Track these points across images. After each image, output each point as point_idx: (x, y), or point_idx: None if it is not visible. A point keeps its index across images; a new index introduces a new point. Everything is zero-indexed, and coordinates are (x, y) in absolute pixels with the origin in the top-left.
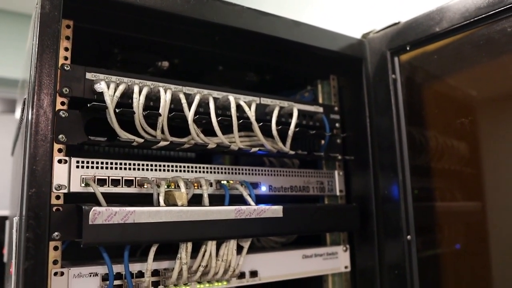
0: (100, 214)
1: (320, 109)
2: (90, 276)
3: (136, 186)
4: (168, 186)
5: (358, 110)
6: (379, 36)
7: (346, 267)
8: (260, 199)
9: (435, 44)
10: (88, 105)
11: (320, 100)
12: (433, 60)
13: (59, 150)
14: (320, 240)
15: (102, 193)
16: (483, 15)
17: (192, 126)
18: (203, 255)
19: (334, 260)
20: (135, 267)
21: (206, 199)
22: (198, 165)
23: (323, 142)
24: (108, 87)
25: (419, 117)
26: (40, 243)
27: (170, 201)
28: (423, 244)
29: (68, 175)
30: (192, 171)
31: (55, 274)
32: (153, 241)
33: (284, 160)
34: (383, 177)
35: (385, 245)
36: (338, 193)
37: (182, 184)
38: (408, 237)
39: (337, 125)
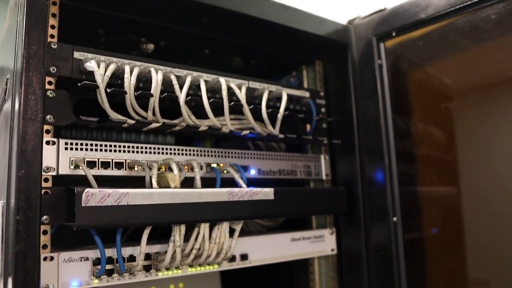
0: (93, 196)
1: (307, 94)
2: (81, 260)
3: (127, 168)
4: (159, 169)
5: (344, 95)
6: (365, 22)
7: (332, 250)
8: (249, 183)
9: (421, 31)
10: (79, 84)
11: (306, 86)
12: (418, 46)
13: (47, 131)
14: (305, 224)
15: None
16: (468, 2)
17: (183, 108)
18: (196, 238)
19: (321, 243)
20: (126, 251)
21: (198, 182)
22: (188, 148)
23: (308, 127)
24: (99, 67)
25: (405, 102)
26: (31, 226)
27: (163, 184)
28: (409, 226)
29: (57, 157)
30: (181, 154)
31: (45, 259)
32: (147, 223)
33: (271, 144)
34: (369, 161)
35: (371, 227)
36: (324, 177)
37: (174, 166)
38: (394, 218)
39: (322, 110)
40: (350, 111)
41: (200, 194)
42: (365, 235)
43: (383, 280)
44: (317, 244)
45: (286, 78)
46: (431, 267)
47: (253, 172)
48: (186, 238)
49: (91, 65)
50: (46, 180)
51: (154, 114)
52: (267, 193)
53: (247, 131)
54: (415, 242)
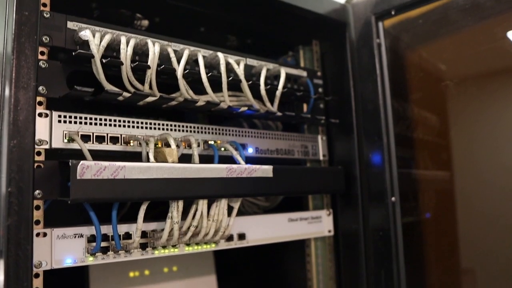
0: (89, 169)
1: (304, 73)
2: (75, 237)
3: (122, 143)
4: (156, 145)
5: (342, 75)
6: (363, 1)
7: (329, 231)
8: (246, 161)
9: (420, 9)
10: (73, 53)
11: (302, 66)
12: (418, 25)
13: (39, 103)
14: (302, 206)
15: None
16: None
17: (181, 81)
18: (194, 215)
19: (318, 224)
20: (122, 229)
21: (196, 157)
22: (184, 124)
23: (305, 108)
24: (94, 36)
25: (404, 82)
26: (24, 198)
27: (160, 159)
28: (406, 208)
29: (49, 129)
30: (178, 131)
31: (38, 235)
32: (144, 198)
33: (268, 124)
34: (367, 142)
35: (369, 208)
36: (321, 158)
37: (172, 141)
38: (393, 198)
39: (320, 90)
40: (348, 91)
41: (198, 170)
42: (362, 216)
43: (381, 260)
44: (314, 225)
45: (283, 58)
46: (428, 248)
47: (250, 151)
48: (184, 217)
49: (85, 34)
50: (38, 153)
51: (150, 88)
52: (266, 170)
53: (245, 108)
54: (413, 222)
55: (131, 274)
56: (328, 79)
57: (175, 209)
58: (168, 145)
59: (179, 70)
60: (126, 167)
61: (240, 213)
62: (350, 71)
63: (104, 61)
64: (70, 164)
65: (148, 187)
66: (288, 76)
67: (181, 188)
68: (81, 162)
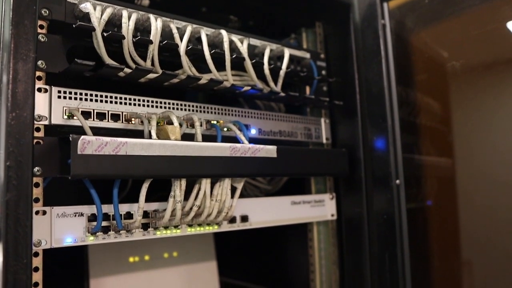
0: (90, 144)
1: (307, 55)
2: (76, 216)
3: (123, 121)
4: (158, 123)
5: (345, 57)
6: None
7: (332, 215)
8: (249, 142)
9: None
10: (74, 25)
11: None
12: (424, 6)
13: (39, 78)
14: (304, 189)
15: None
16: None
17: (184, 58)
18: (197, 195)
19: (321, 207)
20: (123, 208)
21: (199, 136)
22: (187, 103)
23: (308, 91)
24: (95, 9)
25: (409, 64)
26: (23, 173)
27: (162, 137)
28: (410, 191)
29: (49, 105)
30: (180, 109)
31: (37, 213)
32: (146, 175)
33: (270, 106)
34: (371, 124)
35: (373, 191)
36: (324, 141)
37: (174, 118)
38: (397, 181)
39: (323, 72)
40: (352, 74)
41: (201, 148)
42: (366, 199)
43: (385, 244)
44: (317, 208)
45: (285, 41)
46: (433, 231)
47: (253, 132)
48: (186, 197)
49: (86, 6)
50: (38, 129)
51: (152, 64)
52: (270, 150)
53: (249, 87)
54: (417, 207)
55: (131, 259)
56: (331, 62)
57: (178, 187)
58: (170, 123)
59: (182, 46)
60: (128, 143)
61: (242, 196)
62: (354, 53)
63: (105, 34)
64: (70, 138)
65: (150, 164)
66: (292, 58)
67: (184, 166)
68: (82, 136)
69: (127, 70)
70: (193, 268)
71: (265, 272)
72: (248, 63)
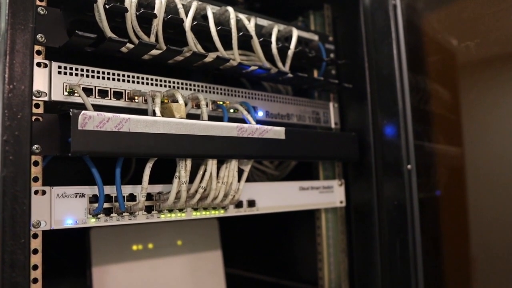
0: (91, 119)
1: (316, 37)
2: (76, 196)
3: (126, 99)
4: (162, 102)
5: (355, 39)
6: None
7: (341, 202)
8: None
9: None
10: None
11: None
12: None
13: (38, 52)
14: (312, 176)
15: None
16: None
17: (189, 34)
18: (203, 176)
19: (330, 194)
20: (126, 190)
21: (205, 114)
22: (192, 83)
23: (316, 74)
24: None
25: (421, 46)
26: (21, 148)
27: (166, 115)
28: (422, 178)
29: (49, 81)
30: (185, 89)
31: (36, 192)
32: (150, 154)
33: (277, 89)
34: (382, 108)
35: (383, 177)
36: (333, 125)
37: (180, 96)
38: (409, 166)
39: (331, 55)
40: (361, 56)
41: (207, 127)
42: (376, 185)
43: (395, 231)
44: (325, 195)
45: (293, 24)
46: (445, 217)
47: (260, 114)
48: (191, 180)
49: None
50: (37, 105)
51: (157, 41)
52: (278, 132)
53: (256, 67)
54: (429, 194)
55: (134, 247)
56: (340, 45)
57: (183, 168)
58: (175, 101)
59: (187, 21)
60: (131, 119)
61: (249, 181)
62: (364, 35)
63: (107, 6)
64: (71, 113)
65: (154, 142)
66: (299, 40)
67: (189, 145)
68: (83, 111)
69: (130, 46)
70: (197, 257)
71: (271, 261)
72: (255, 41)
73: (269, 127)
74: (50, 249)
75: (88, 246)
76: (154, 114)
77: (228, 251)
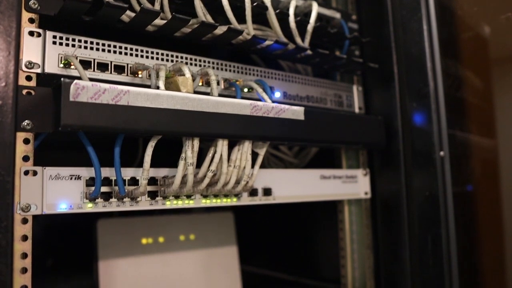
0: (85, 90)
1: (338, 15)
2: (72, 179)
3: (129, 74)
4: (167, 77)
5: (380, 17)
6: None
7: (366, 193)
8: None
9: None
10: None
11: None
12: None
13: (31, 20)
14: (334, 165)
15: None
16: None
17: (198, 2)
18: (212, 158)
19: (354, 184)
20: (127, 173)
21: (215, 91)
22: (202, 58)
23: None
24: None
25: (454, 21)
26: (4, 119)
27: (171, 90)
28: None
29: (42, 51)
30: (194, 65)
31: (26, 173)
32: (151, 130)
33: (296, 69)
34: (410, 91)
35: (412, 166)
36: (357, 110)
37: (186, 70)
38: (441, 153)
39: (355, 34)
40: (388, 34)
41: (217, 103)
42: (405, 175)
43: (427, 225)
44: (349, 185)
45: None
46: (480, 211)
47: (278, 95)
48: (199, 164)
49: None
50: (29, 78)
51: (162, 10)
52: (297, 112)
53: (271, 41)
54: (462, 186)
55: (144, 241)
56: (363, 25)
57: (190, 148)
58: (182, 76)
59: None
60: (131, 92)
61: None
62: (390, 10)
63: None
64: (62, 83)
65: (157, 118)
66: (320, 17)
67: (196, 123)
68: (75, 81)
69: (131, 14)
70: (211, 253)
71: (290, 258)
72: (271, 13)
73: (287, 106)
74: (56, 241)
75: (94, 239)
76: (157, 89)
77: (244, 246)
